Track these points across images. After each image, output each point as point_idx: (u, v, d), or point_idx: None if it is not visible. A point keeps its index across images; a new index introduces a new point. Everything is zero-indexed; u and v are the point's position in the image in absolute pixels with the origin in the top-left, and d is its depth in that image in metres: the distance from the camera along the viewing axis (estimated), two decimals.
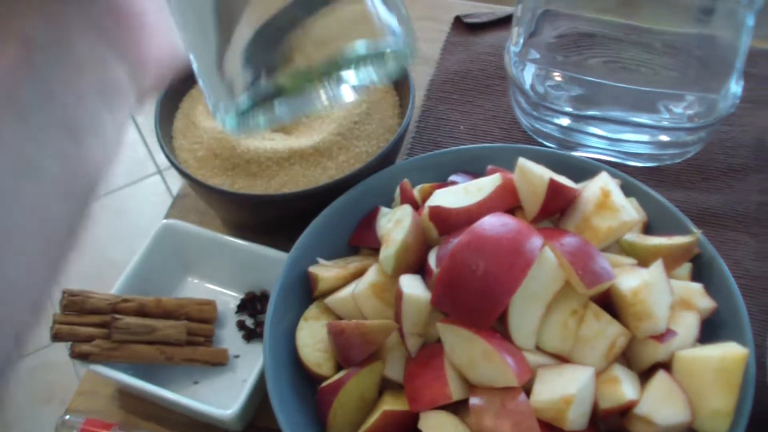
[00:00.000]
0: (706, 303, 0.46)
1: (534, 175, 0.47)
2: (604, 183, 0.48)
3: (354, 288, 0.47)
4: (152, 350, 0.50)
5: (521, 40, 0.59)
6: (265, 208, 0.54)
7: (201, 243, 0.55)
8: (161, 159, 1.79)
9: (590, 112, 0.59)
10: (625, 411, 0.42)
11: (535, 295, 0.43)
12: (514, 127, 0.64)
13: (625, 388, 0.42)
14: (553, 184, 0.46)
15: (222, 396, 0.50)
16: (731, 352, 0.42)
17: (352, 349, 0.45)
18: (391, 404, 0.44)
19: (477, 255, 0.42)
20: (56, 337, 0.49)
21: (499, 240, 0.42)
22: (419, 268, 0.47)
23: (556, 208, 0.47)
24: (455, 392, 0.42)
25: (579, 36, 0.59)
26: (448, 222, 0.47)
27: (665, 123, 0.57)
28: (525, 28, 0.59)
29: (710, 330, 0.45)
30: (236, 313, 0.55)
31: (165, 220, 0.56)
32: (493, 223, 0.43)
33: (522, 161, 0.48)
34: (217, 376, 0.52)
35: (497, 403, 0.41)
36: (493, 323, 0.42)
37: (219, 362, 0.52)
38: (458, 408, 0.43)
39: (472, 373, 0.42)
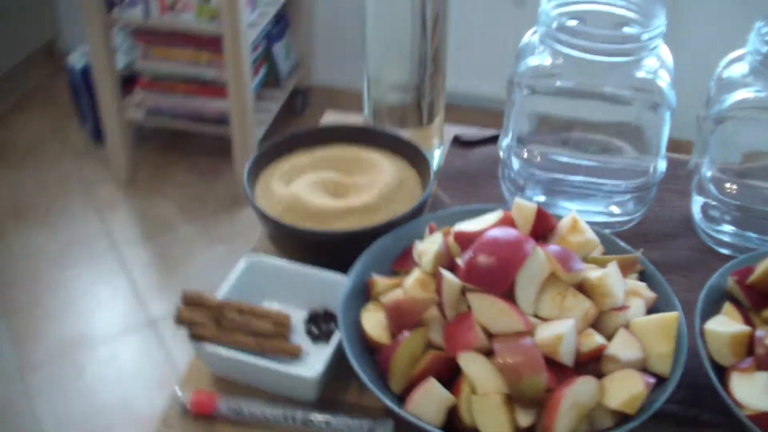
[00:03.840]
0: (648, 294, 0.69)
1: (526, 206, 0.71)
2: (573, 215, 0.72)
3: (403, 285, 0.69)
4: (249, 339, 0.70)
5: (508, 140, 0.86)
6: (327, 245, 0.77)
7: (276, 272, 0.77)
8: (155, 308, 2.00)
9: (560, 189, 0.84)
10: (598, 357, 0.64)
11: (531, 278, 0.65)
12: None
13: (597, 337, 0.64)
14: (539, 210, 0.70)
15: None
16: (668, 315, 0.65)
17: (404, 317, 0.66)
18: (428, 356, 0.65)
19: (491, 248, 0.65)
20: (180, 321, 0.69)
21: (505, 239, 0.66)
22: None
23: (542, 231, 0.71)
24: (481, 339, 0.63)
25: (549, 134, 0.85)
26: (468, 240, 0.70)
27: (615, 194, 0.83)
28: (512, 133, 0.86)
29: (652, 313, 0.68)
30: (305, 323, 0.75)
31: (246, 257, 0.77)
32: (500, 231, 0.67)
33: (517, 199, 0.72)
34: (292, 367, 0.71)
35: (512, 344, 0.62)
36: (505, 294, 0.64)
37: (295, 354, 0.72)
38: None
39: (493, 326, 0.63)
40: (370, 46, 0.87)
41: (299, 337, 0.75)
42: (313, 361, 0.72)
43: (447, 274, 0.66)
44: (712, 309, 0.69)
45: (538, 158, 0.85)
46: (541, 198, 0.87)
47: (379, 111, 0.91)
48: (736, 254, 0.80)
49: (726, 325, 0.67)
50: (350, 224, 0.78)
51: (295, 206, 0.79)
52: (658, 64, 0.79)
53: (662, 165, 0.82)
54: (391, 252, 0.76)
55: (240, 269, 0.76)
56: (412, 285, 0.68)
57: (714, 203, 0.83)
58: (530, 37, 0.84)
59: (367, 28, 0.86)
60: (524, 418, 0.61)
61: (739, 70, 0.79)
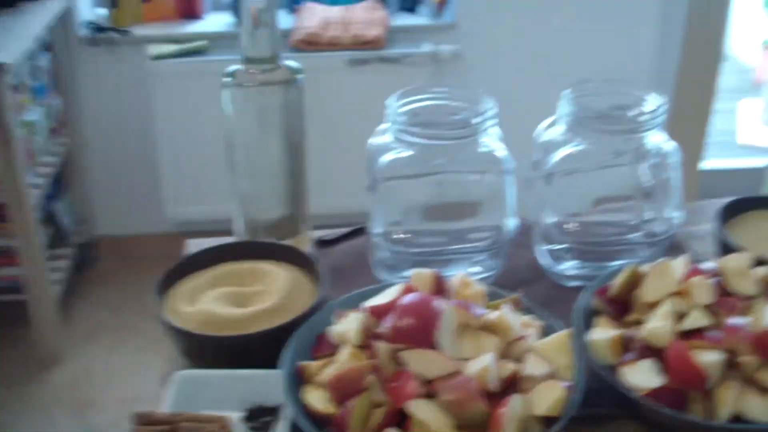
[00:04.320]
0: (537, 323, 0.83)
1: (423, 274, 0.83)
2: (462, 275, 0.85)
3: (336, 363, 0.78)
4: None
5: (379, 229, 0.98)
6: (249, 347, 0.84)
7: (206, 381, 0.82)
8: None
9: (428, 261, 0.97)
10: (515, 380, 0.76)
11: (448, 328, 0.77)
12: None
13: (510, 364, 0.76)
14: (436, 276, 0.83)
15: None
16: (561, 333, 0.79)
17: (348, 386, 0.75)
18: (381, 411, 0.73)
19: (411, 311, 0.77)
20: None
21: (421, 302, 0.78)
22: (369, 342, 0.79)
23: (440, 292, 0.83)
24: (420, 387, 0.73)
25: (414, 215, 0.99)
26: (382, 312, 0.80)
27: None
28: (381, 222, 0.98)
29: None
30: (243, 421, 0.81)
31: (179, 372, 0.82)
32: (413, 297, 0.79)
33: (413, 271, 0.84)
34: None
35: (450, 383, 0.73)
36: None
37: None
38: None
39: (428, 373, 0.74)
40: (242, 172, 0.98)
41: None
42: None
43: (380, 342, 0.76)
44: (584, 326, 0.84)
45: (409, 237, 0.98)
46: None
47: (255, 228, 1.01)
48: (583, 284, 0.96)
49: (603, 333, 0.82)
50: (262, 327, 0.86)
51: (209, 320, 0.86)
52: (493, 139, 0.96)
53: (513, 223, 0.98)
54: (308, 341, 0.84)
55: (174, 385, 0.81)
56: (347, 359, 0.77)
57: (558, 246, 1.00)
58: (378, 138, 0.99)
59: (236, 158, 0.97)
60: None
61: (557, 131, 0.98)
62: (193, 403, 0.81)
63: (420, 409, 0.72)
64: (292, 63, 0.96)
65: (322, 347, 0.84)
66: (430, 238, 0.99)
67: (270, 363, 0.83)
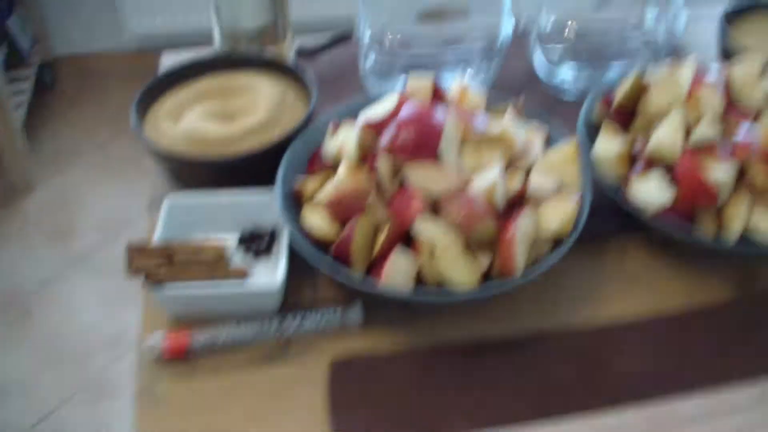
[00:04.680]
0: (542, 128, 0.80)
1: (420, 84, 0.78)
2: (460, 84, 0.80)
3: (334, 180, 0.74)
4: (202, 268, 0.73)
5: (366, 36, 0.92)
6: (240, 167, 0.80)
7: (197, 205, 0.79)
8: None
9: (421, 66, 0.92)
10: (521, 197, 0.73)
11: (450, 141, 0.73)
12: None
13: (519, 177, 0.73)
14: (434, 84, 0.78)
15: None
16: (568, 146, 0.76)
17: (349, 208, 0.72)
18: (385, 231, 0.71)
19: (414, 123, 0.73)
20: (133, 269, 0.70)
21: (422, 113, 0.73)
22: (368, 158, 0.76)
23: (438, 102, 0.79)
24: (425, 204, 0.70)
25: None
26: (379, 126, 0.76)
27: None
28: (369, 28, 0.92)
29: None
30: (239, 245, 0.79)
31: (168, 198, 0.79)
32: (413, 108, 0.74)
33: (410, 79, 0.79)
34: (250, 285, 0.75)
35: (458, 200, 0.70)
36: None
37: (244, 275, 0.75)
38: None
39: (434, 187, 0.71)
40: None
41: (235, 261, 0.78)
42: (260, 276, 0.76)
43: (382, 156, 0.72)
44: (589, 137, 0.81)
45: (400, 40, 0.93)
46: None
47: (235, 37, 0.94)
48: (579, 98, 0.92)
49: (609, 146, 0.79)
50: (252, 144, 0.82)
51: (195, 139, 0.81)
52: None
53: (509, 24, 0.92)
54: (302, 158, 0.81)
55: (165, 210, 0.78)
56: (345, 176, 0.73)
57: (555, 46, 0.95)
58: None
59: None
60: (483, 261, 0.70)
61: None
62: (186, 228, 0.79)
63: (426, 229, 0.70)
64: None
65: (317, 163, 0.80)
66: (422, 41, 0.94)
67: (261, 181, 0.80)
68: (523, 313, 0.74)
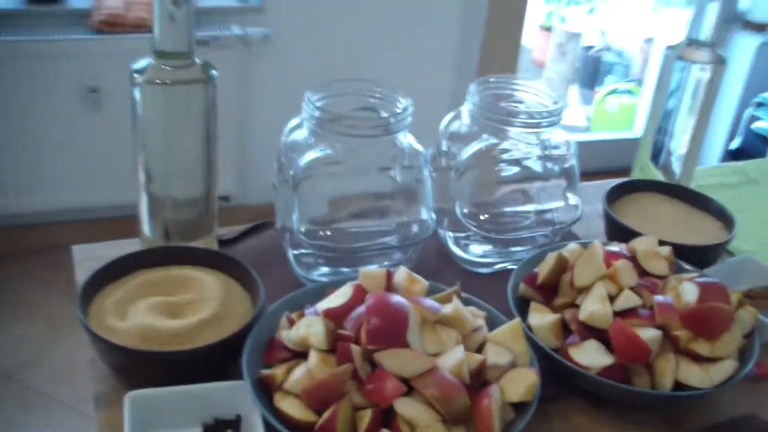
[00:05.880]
0: (481, 312, 0.88)
1: (374, 273, 0.85)
2: (406, 271, 0.87)
3: (305, 367, 0.78)
4: None
5: (297, 227, 0.98)
6: (199, 360, 0.81)
7: (158, 400, 0.79)
8: None
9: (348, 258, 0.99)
10: (481, 371, 0.80)
11: (414, 327, 0.79)
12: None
13: (477, 355, 0.80)
14: (388, 273, 0.85)
15: None
16: (513, 323, 0.84)
17: (328, 392, 0.75)
18: (369, 414, 0.75)
19: (383, 313, 0.78)
20: None
21: (391, 303, 0.79)
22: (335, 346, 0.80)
23: (390, 290, 0.85)
24: (401, 385, 0.75)
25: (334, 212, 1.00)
26: (338, 315, 0.81)
27: None
28: (301, 220, 0.98)
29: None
30: None
31: (130, 393, 0.78)
32: (380, 297, 0.80)
33: (361, 270, 0.85)
34: None
35: (433, 379, 0.75)
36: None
37: None
38: None
39: (405, 371, 0.76)
40: (155, 171, 0.93)
41: None
42: None
43: (354, 346, 0.77)
44: (519, 314, 0.90)
45: (331, 235, 0.99)
46: (325, 269, 1.01)
47: (170, 229, 0.97)
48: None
49: (541, 319, 0.88)
50: (206, 337, 0.83)
51: (148, 334, 0.82)
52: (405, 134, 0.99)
53: (430, 218, 1.02)
54: (259, 348, 0.83)
55: (127, 407, 0.77)
56: (317, 365, 0.77)
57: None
58: (289, 136, 0.98)
59: (148, 158, 0.93)
60: None
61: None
62: (149, 424, 0.78)
63: (406, 407, 0.74)
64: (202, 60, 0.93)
65: (275, 353, 0.83)
66: (354, 234, 1.01)
67: (211, 375, 0.82)
68: None
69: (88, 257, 1.03)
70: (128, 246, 1.01)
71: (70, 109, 2.40)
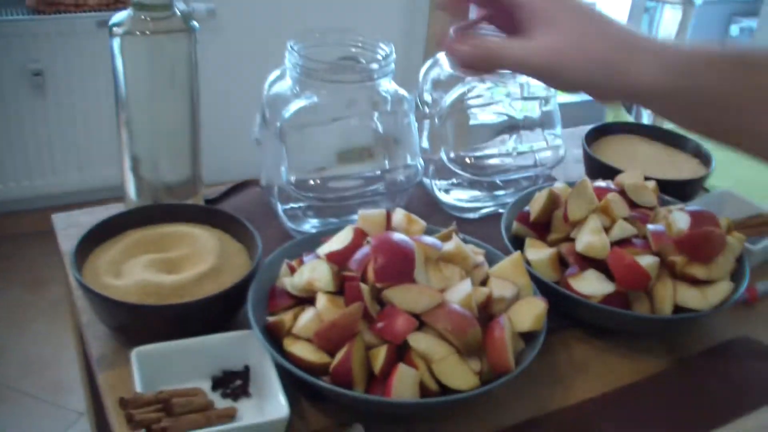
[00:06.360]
0: (480, 249, 0.89)
1: (374, 215, 0.85)
2: (404, 213, 0.88)
3: (313, 311, 0.77)
4: (199, 417, 0.72)
5: (284, 179, 0.98)
6: (203, 311, 0.80)
7: (165, 355, 0.78)
8: None
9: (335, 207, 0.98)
10: (487, 304, 0.81)
11: (420, 263, 0.80)
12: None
13: (483, 289, 0.81)
14: (388, 214, 0.85)
15: None
16: (514, 257, 0.85)
17: (341, 333, 0.75)
18: (384, 351, 0.75)
19: (390, 251, 0.78)
20: (136, 425, 0.68)
21: (396, 241, 0.79)
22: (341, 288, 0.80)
23: (390, 230, 0.85)
24: (414, 320, 0.76)
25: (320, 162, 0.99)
26: (341, 258, 0.81)
27: None
28: (289, 172, 0.97)
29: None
30: (213, 389, 0.78)
31: (134, 351, 0.77)
32: (385, 236, 0.80)
33: (360, 212, 0.85)
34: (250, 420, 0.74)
35: (444, 312, 0.76)
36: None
37: (232, 416, 0.75)
38: None
39: (417, 307, 0.76)
40: (139, 130, 0.93)
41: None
42: (245, 415, 0.76)
43: (363, 285, 0.77)
44: (516, 249, 0.91)
45: (320, 184, 0.99)
46: (314, 221, 1.00)
47: (153, 192, 0.96)
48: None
49: (539, 253, 0.89)
50: (207, 290, 0.82)
51: (150, 290, 0.81)
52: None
53: (418, 164, 1.02)
54: (261, 297, 0.83)
55: (135, 363, 0.76)
56: (326, 307, 0.77)
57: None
58: (270, 89, 0.97)
59: (131, 115, 0.92)
60: (475, 364, 0.76)
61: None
62: (157, 380, 0.77)
63: (420, 341, 0.75)
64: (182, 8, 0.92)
65: (279, 300, 0.83)
66: (343, 183, 1.00)
67: (211, 327, 0.82)
68: (510, 405, 0.81)
69: (70, 224, 1.02)
70: (111, 211, 0.99)
71: (14, 94, 2.33)
